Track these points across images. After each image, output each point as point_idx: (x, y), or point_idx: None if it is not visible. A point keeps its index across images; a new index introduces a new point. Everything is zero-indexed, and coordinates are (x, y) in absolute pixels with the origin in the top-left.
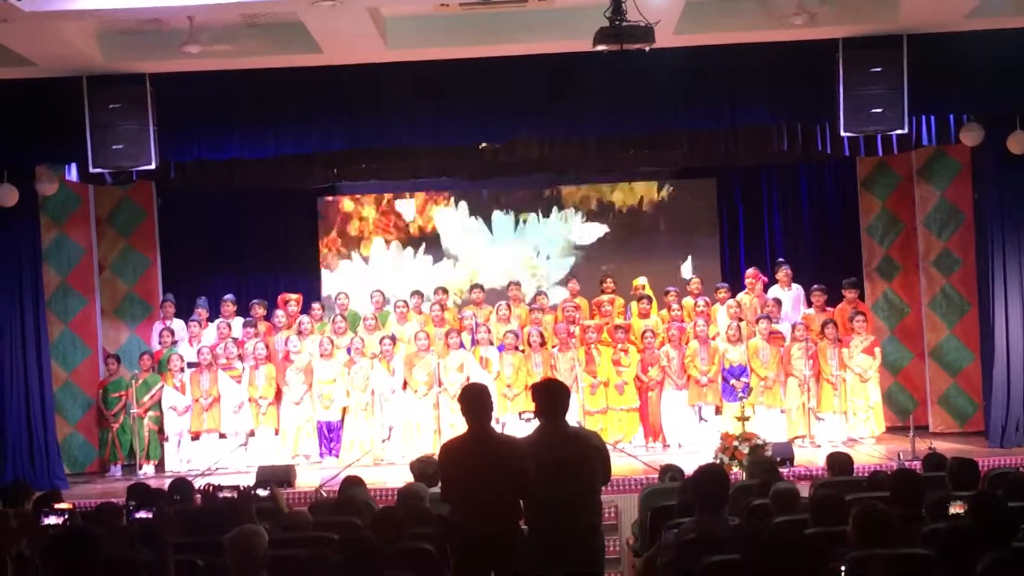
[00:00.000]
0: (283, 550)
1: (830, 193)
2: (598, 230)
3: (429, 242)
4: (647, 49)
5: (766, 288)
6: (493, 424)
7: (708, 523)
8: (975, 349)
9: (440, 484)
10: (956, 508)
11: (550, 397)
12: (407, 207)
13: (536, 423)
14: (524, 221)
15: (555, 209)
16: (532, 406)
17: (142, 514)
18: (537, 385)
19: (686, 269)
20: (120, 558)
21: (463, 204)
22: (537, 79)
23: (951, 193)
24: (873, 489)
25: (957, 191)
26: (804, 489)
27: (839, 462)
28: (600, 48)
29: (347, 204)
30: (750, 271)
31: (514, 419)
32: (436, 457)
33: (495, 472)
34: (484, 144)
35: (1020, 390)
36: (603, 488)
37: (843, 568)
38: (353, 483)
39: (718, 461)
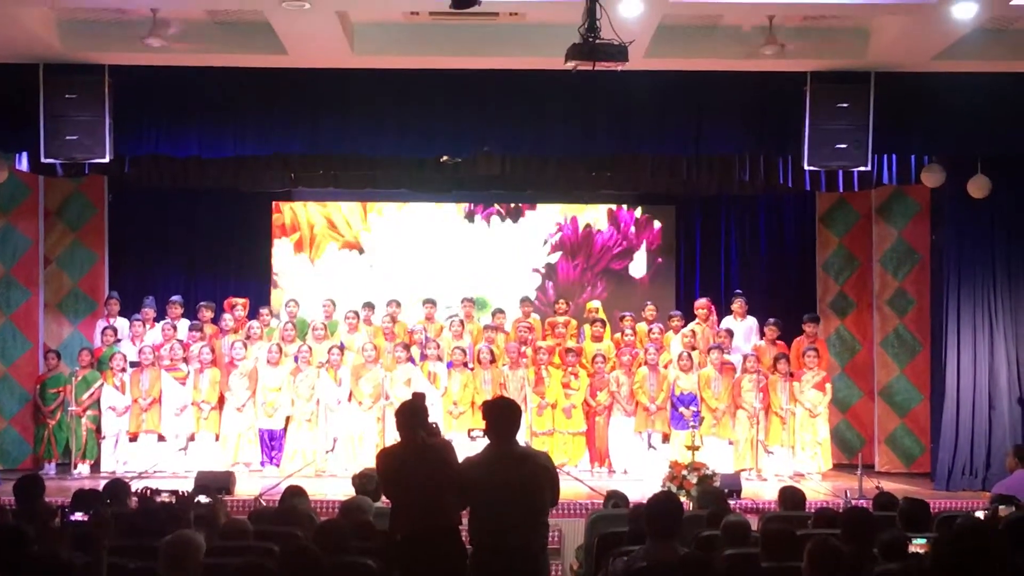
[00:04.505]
0: (220, 558)
1: (788, 227)
2: (554, 251)
3: (382, 253)
4: (619, 69)
5: (720, 318)
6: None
7: (659, 552)
8: (925, 390)
9: (383, 490)
10: (916, 548)
11: (501, 416)
12: (360, 215)
13: (485, 441)
14: (482, 236)
15: (513, 226)
16: (479, 423)
17: (78, 516)
18: (489, 403)
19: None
20: (51, 559)
21: (422, 216)
22: (503, 94)
23: (908, 233)
24: (821, 525)
25: (915, 232)
26: (751, 522)
27: (791, 497)
28: (571, 64)
29: (300, 209)
30: (701, 301)
31: (461, 436)
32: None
33: (432, 476)
34: (446, 157)
35: (968, 433)
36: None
37: None
38: (295, 493)
39: (666, 489)
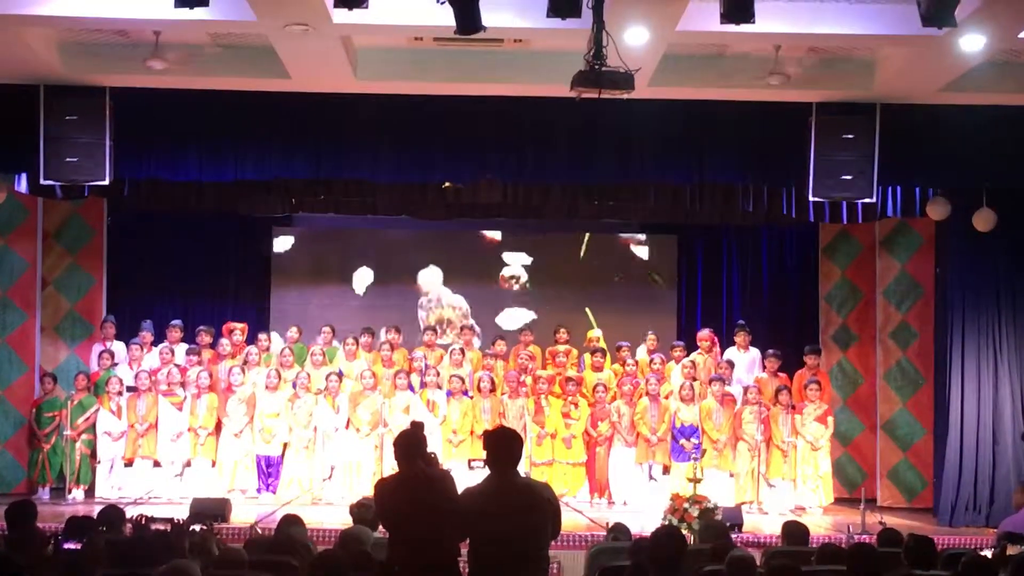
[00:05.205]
0: None
1: (791, 258)
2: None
3: (382, 280)
4: (625, 97)
5: (722, 349)
6: None
7: None
8: (928, 424)
9: (381, 521)
10: None
11: (503, 446)
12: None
13: (485, 471)
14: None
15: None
16: (477, 452)
17: (71, 545)
18: (490, 433)
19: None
20: None
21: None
22: (506, 121)
23: (912, 266)
24: (825, 561)
25: (918, 264)
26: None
27: (795, 532)
28: (577, 92)
29: (301, 236)
30: (704, 333)
31: (460, 466)
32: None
33: (430, 508)
34: (447, 183)
35: (972, 468)
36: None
37: None
38: (291, 522)
39: (667, 522)
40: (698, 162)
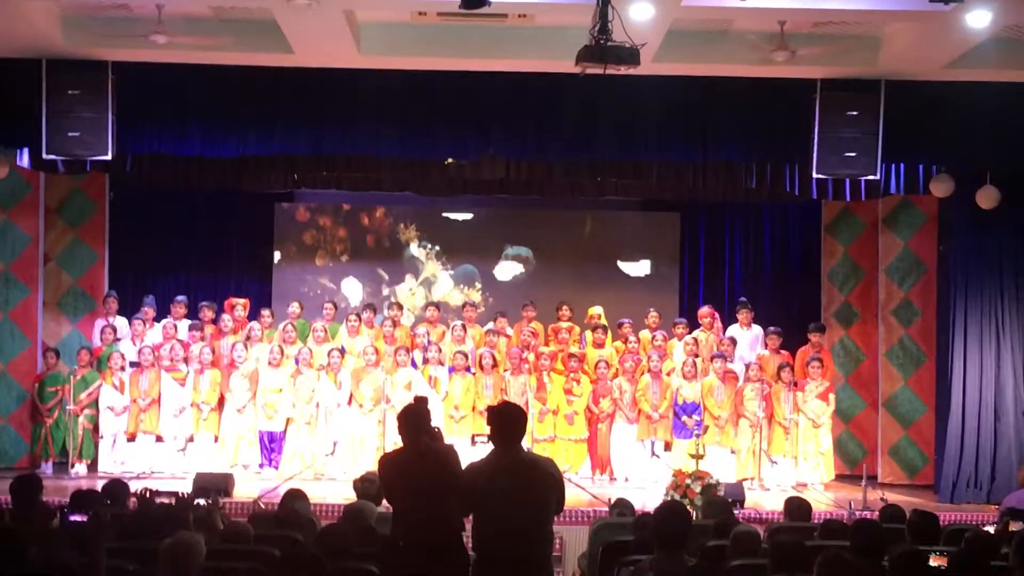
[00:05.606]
0: (221, 562)
1: (793, 236)
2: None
3: (385, 256)
4: (630, 72)
5: (724, 327)
6: None
7: (666, 562)
8: (929, 402)
9: (385, 495)
10: (937, 561)
11: (507, 422)
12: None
13: (488, 447)
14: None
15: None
16: (479, 428)
17: (76, 517)
18: (494, 408)
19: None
20: (50, 561)
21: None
22: (510, 97)
23: (915, 244)
24: (828, 537)
25: (921, 242)
26: None
27: (798, 508)
28: (582, 67)
29: (303, 211)
30: (704, 310)
31: (462, 442)
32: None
33: (434, 482)
34: (450, 160)
35: (973, 445)
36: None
37: None
38: (295, 496)
39: (669, 498)
40: (701, 139)
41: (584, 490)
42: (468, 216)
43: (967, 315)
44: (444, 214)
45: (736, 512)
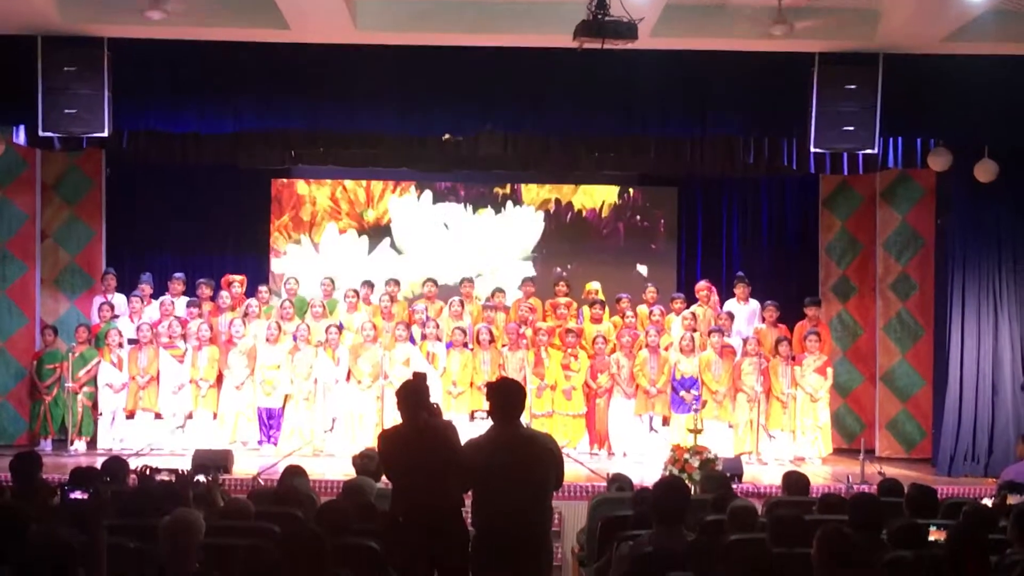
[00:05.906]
0: (221, 538)
1: (791, 210)
2: (554, 231)
3: (382, 232)
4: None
5: (722, 301)
6: None
7: (665, 537)
8: (927, 375)
9: (384, 471)
10: (935, 534)
11: (506, 397)
12: (362, 194)
13: (487, 422)
14: (481, 217)
15: (513, 207)
16: (477, 404)
17: (76, 494)
18: (493, 384)
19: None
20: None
21: (422, 195)
22: (507, 72)
23: (912, 217)
24: (827, 511)
25: (919, 216)
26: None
27: (796, 482)
28: (579, 42)
29: (301, 187)
30: (701, 284)
31: (460, 418)
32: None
33: (433, 458)
34: (448, 135)
35: (971, 419)
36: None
37: None
38: (295, 473)
39: (667, 473)
40: (699, 114)
41: (583, 465)
42: None
43: (965, 289)
44: None
45: (734, 486)
